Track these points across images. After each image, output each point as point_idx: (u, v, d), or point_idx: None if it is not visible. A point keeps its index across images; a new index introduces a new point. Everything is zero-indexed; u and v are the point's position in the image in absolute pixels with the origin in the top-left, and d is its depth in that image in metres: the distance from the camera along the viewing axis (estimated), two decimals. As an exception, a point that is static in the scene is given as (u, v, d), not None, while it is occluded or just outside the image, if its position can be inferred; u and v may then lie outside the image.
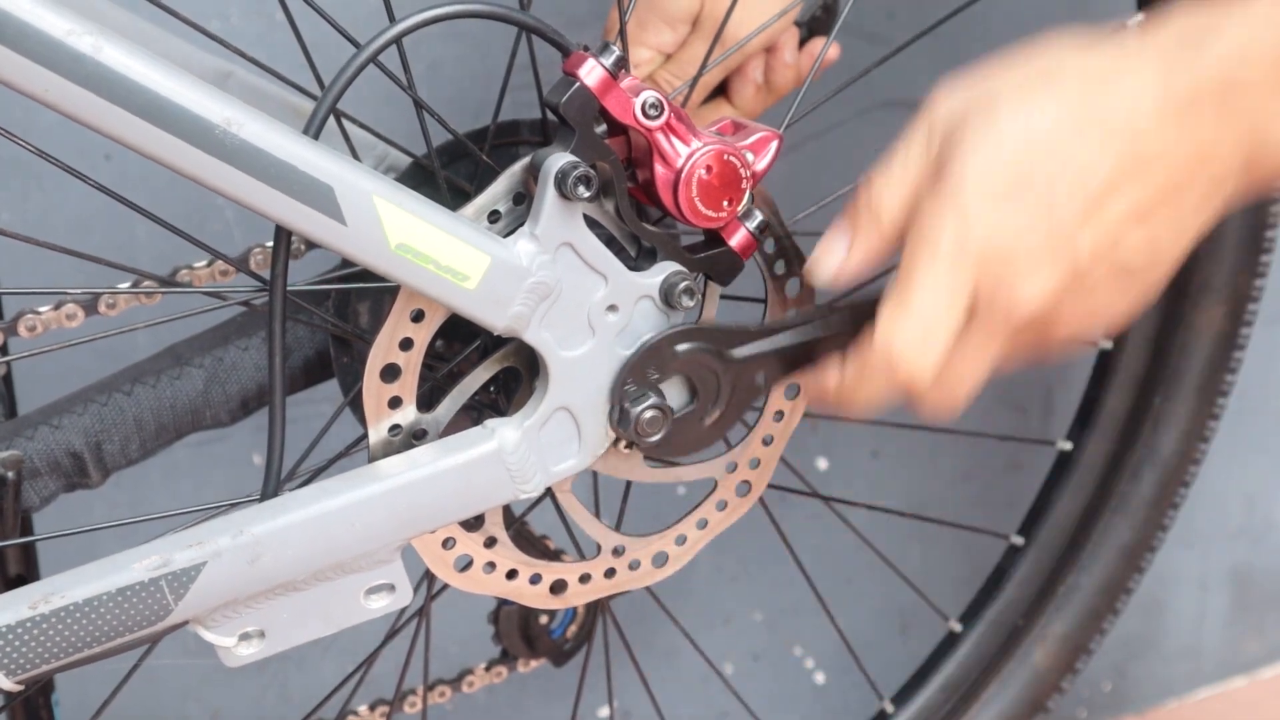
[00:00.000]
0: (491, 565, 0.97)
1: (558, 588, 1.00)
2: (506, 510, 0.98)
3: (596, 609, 1.22)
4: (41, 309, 1.04)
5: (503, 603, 1.20)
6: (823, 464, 1.61)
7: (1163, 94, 0.82)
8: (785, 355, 0.94)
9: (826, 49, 1.07)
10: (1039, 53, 0.86)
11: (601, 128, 0.87)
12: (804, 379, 0.96)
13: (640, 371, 0.91)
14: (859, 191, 0.88)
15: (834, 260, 0.88)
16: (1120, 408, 1.34)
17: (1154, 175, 0.83)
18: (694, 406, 0.93)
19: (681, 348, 0.92)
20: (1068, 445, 1.36)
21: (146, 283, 1.03)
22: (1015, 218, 0.83)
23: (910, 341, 0.85)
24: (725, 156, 0.89)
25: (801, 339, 0.94)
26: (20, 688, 0.85)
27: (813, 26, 1.12)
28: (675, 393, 0.94)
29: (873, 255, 0.88)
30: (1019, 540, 1.38)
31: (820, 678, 1.68)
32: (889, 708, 1.39)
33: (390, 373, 0.90)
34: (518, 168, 0.89)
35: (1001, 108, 0.83)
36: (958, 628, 1.38)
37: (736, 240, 0.92)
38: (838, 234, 0.89)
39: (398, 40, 0.85)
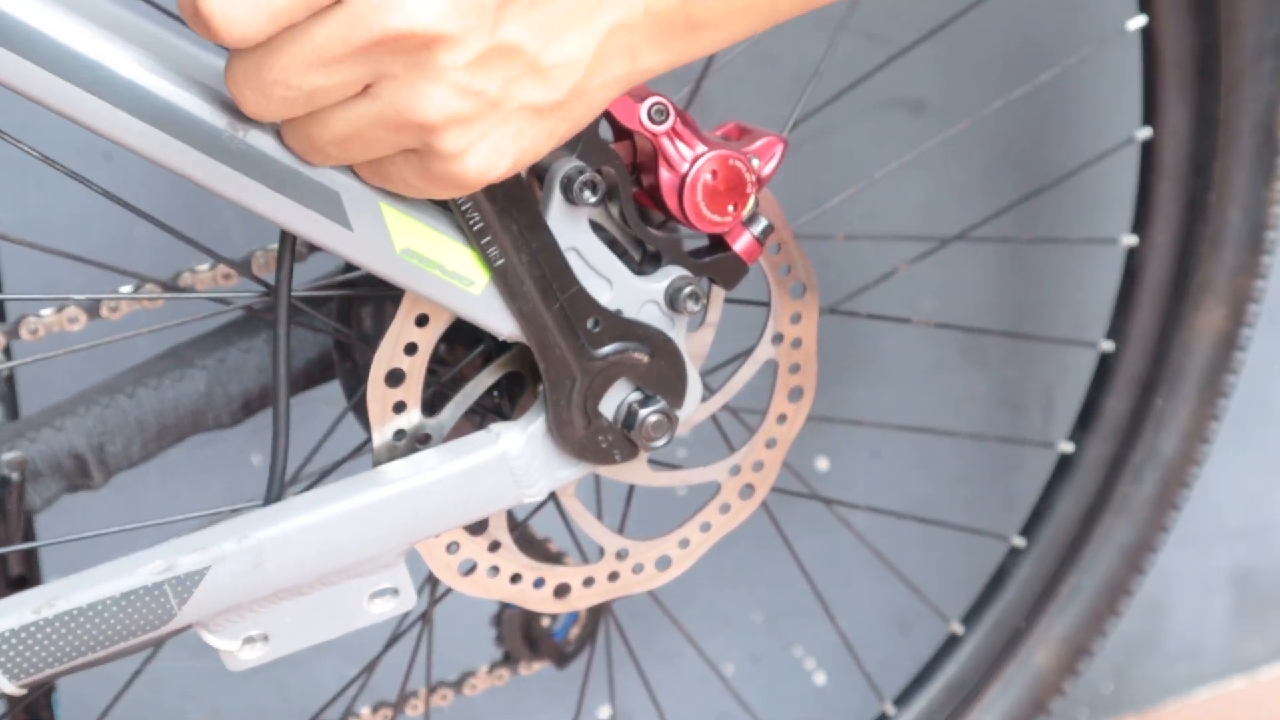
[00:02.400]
0: (495, 569, 0.97)
1: (561, 591, 1.00)
2: (510, 514, 0.98)
3: (599, 611, 1.22)
4: (43, 312, 1.04)
5: (505, 606, 1.20)
6: (823, 465, 1.61)
7: None
8: None
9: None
10: None
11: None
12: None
13: None
14: None
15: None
16: (1121, 409, 1.34)
17: None
18: None
19: None
20: (1069, 447, 1.36)
21: (149, 287, 1.03)
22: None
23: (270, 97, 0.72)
24: (730, 161, 0.88)
25: None
26: (23, 692, 0.85)
27: None
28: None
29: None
30: (1020, 542, 1.38)
31: (820, 678, 1.68)
32: (890, 710, 1.39)
33: (394, 377, 0.90)
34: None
35: None
36: (959, 629, 1.38)
37: (741, 245, 0.92)
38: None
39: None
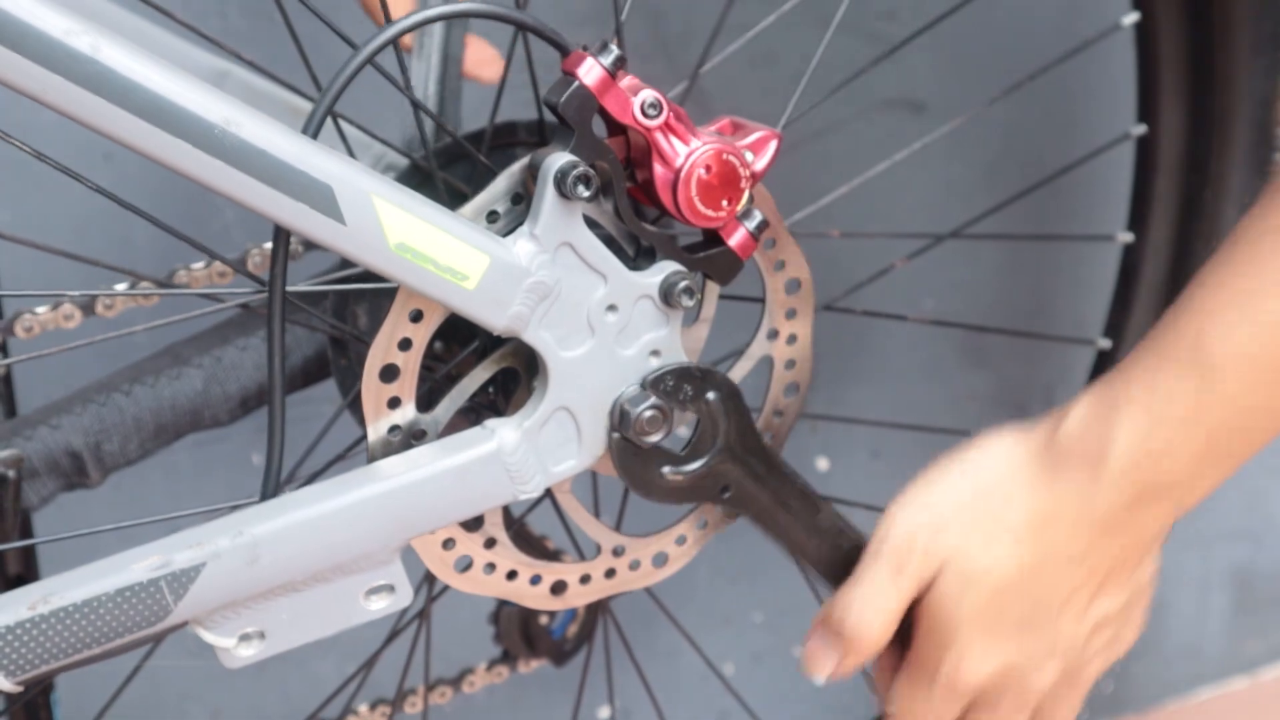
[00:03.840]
0: (491, 566, 0.97)
1: (558, 588, 1.00)
2: (506, 511, 0.98)
3: (597, 609, 1.22)
4: (39, 310, 1.04)
5: (503, 603, 1.20)
6: (823, 464, 1.61)
7: (1094, 520, 0.94)
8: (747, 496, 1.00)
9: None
10: (977, 466, 1.00)
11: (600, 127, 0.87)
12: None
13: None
14: (833, 608, 1.01)
15: (825, 672, 1.03)
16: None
17: (1108, 577, 0.97)
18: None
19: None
20: None
21: (144, 284, 1.03)
22: (999, 650, 0.97)
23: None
24: (724, 156, 0.88)
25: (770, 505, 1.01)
26: (20, 689, 0.85)
27: None
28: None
29: (858, 668, 1.02)
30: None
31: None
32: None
33: (389, 373, 0.90)
34: (516, 168, 0.88)
35: (971, 550, 0.96)
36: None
37: (736, 240, 0.92)
38: (824, 647, 1.02)
39: (394, 41, 0.85)
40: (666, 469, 0.96)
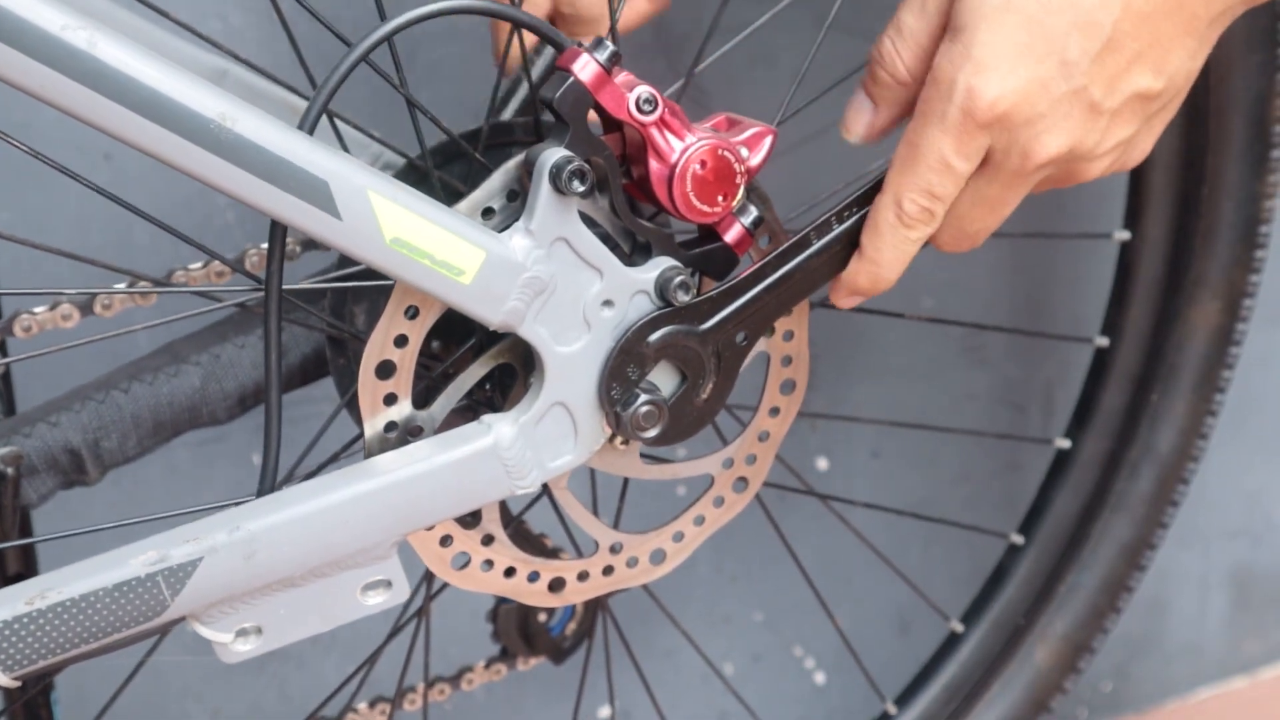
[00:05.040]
0: (489, 563, 0.98)
1: (556, 585, 1.00)
2: (504, 508, 0.98)
3: (596, 607, 1.22)
4: (37, 309, 1.04)
5: (501, 600, 1.20)
6: (823, 464, 1.61)
7: None
8: (756, 306, 0.94)
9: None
10: None
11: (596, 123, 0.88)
12: (834, 284, 0.97)
13: (621, 375, 0.92)
14: (874, 49, 0.94)
15: (863, 119, 0.96)
16: (1117, 405, 1.34)
17: (1150, 47, 0.90)
18: (685, 387, 0.94)
19: (653, 339, 0.92)
20: (1065, 443, 1.36)
21: (142, 283, 1.04)
22: (1029, 76, 0.88)
23: (917, 205, 0.92)
24: (720, 151, 0.89)
25: (767, 284, 0.94)
26: (18, 684, 0.85)
27: None
28: (664, 379, 0.94)
29: (898, 110, 0.95)
30: (1019, 539, 1.38)
31: (820, 678, 1.68)
32: (892, 709, 1.39)
33: (385, 369, 0.90)
34: (512, 164, 0.89)
35: None
36: (959, 628, 1.38)
37: (731, 235, 0.92)
38: (862, 94, 0.95)
39: (390, 38, 0.86)
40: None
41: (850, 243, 0.95)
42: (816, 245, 0.95)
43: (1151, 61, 0.90)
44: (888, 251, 0.94)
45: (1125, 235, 1.30)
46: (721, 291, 0.93)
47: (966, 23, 0.88)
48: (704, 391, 0.94)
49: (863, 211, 0.95)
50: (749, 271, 0.94)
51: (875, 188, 0.94)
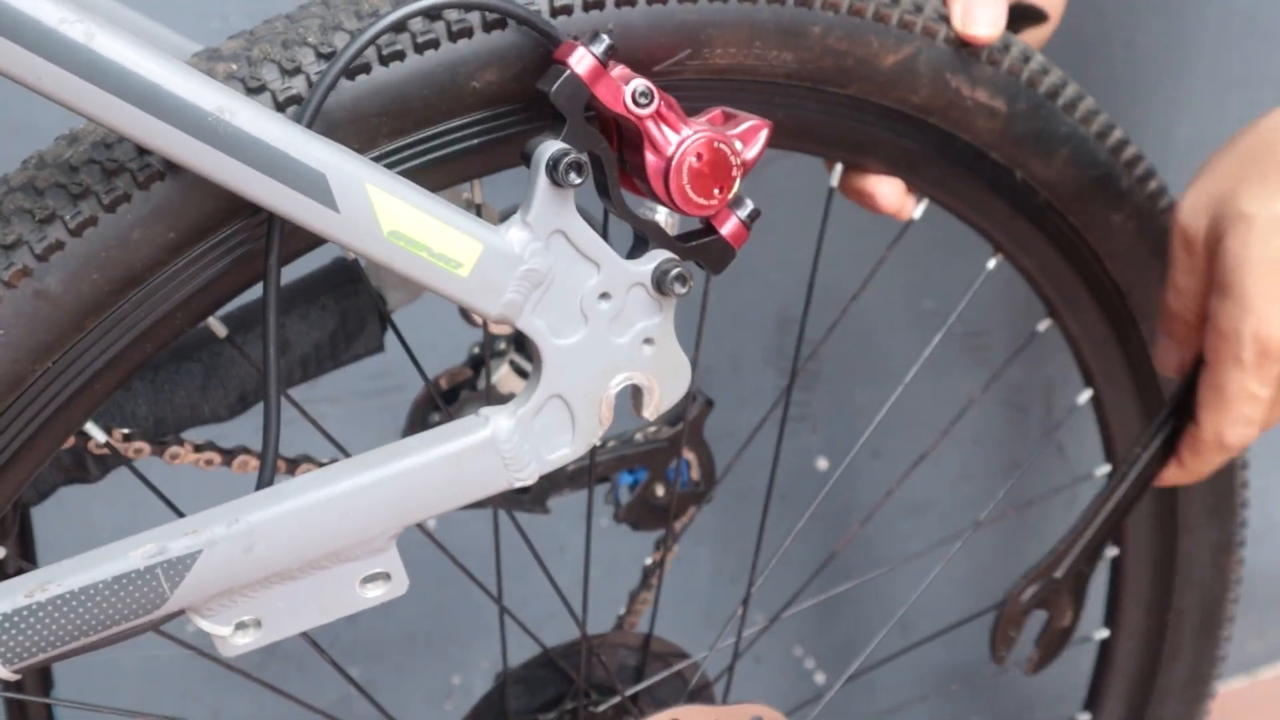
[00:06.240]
0: None
1: None
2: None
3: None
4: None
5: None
6: (823, 464, 1.61)
7: None
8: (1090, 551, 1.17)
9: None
10: (1263, 140, 1.01)
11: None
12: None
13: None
14: (1163, 305, 1.08)
15: (1174, 357, 1.10)
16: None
17: None
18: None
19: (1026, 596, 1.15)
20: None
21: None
22: None
23: (1237, 433, 1.07)
24: (716, 144, 0.89)
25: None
26: (18, 676, 0.85)
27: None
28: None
29: (1197, 341, 1.07)
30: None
31: (820, 678, 1.69)
32: None
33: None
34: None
35: (1251, 207, 0.98)
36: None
37: (728, 228, 0.92)
38: (1166, 339, 1.10)
39: (387, 32, 0.86)
40: None
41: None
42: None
43: None
44: (1204, 470, 1.14)
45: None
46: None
47: (1233, 280, 0.99)
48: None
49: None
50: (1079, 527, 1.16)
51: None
